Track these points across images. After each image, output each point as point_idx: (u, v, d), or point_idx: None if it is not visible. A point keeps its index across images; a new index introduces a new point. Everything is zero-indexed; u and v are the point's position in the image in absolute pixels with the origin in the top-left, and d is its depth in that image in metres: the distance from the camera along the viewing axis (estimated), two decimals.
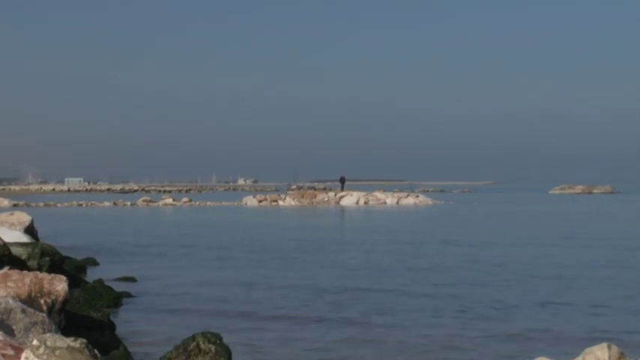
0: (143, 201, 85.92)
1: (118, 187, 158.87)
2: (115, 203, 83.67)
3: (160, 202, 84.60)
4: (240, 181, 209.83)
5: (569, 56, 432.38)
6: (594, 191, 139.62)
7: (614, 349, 8.77)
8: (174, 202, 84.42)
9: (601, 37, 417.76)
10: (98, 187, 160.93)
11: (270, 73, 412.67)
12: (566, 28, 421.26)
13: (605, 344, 8.82)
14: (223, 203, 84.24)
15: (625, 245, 32.32)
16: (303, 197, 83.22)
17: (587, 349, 8.90)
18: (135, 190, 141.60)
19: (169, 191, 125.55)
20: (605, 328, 13.98)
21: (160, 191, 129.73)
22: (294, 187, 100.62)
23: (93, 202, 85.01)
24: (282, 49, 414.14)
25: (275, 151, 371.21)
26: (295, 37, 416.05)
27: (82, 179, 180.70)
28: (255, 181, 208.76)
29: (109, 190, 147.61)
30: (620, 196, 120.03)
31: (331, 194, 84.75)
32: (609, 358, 8.69)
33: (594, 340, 9.49)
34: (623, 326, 14.59)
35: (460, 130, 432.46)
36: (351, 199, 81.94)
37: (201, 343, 10.68)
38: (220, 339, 10.87)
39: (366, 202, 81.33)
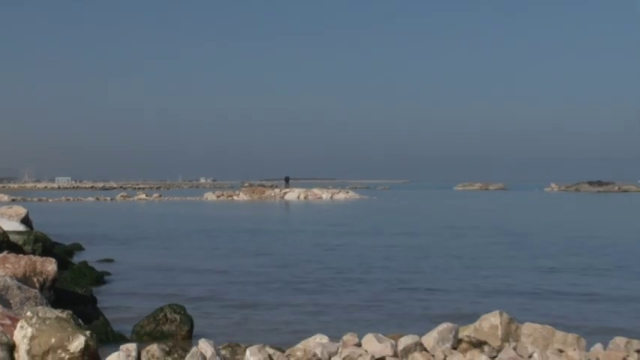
0: (121, 196, 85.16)
1: (100, 184, 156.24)
2: (97, 198, 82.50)
3: (135, 197, 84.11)
4: (202, 180, 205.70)
5: (472, 75, 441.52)
6: (490, 188, 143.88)
7: (505, 315, 9.18)
8: (147, 197, 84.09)
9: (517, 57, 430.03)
10: (83, 185, 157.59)
11: (223, 91, 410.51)
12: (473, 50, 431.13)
13: (497, 311, 9.21)
14: (188, 198, 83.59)
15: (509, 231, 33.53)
16: (254, 193, 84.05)
17: (483, 316, 9.32)
18: (114, 188, 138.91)
19: (143, 188, 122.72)
20: (493, 302, 14.17)
21: (134, 188, 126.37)
22: (246, 184, 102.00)
23: (79, 197, 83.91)
24: (232, 67, 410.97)
25: (231, 155, 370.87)
26: (247, 56, 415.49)
27: (69, 178, 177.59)
28: (214, 180, 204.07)
29: (92, 187, 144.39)
30: (510, 192, 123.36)
31: (277, 191, 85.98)
32: (501, 322, 9.10)
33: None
34: (510, 299, 14.99)
35: (381, 137, 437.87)
36: (293, 194, 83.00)
37: (168, 313, 10.87)
38: (184, 310, 11.15)
39: (305, 197, 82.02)
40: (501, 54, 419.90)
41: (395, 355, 8.41)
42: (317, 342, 8.51)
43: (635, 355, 8.75)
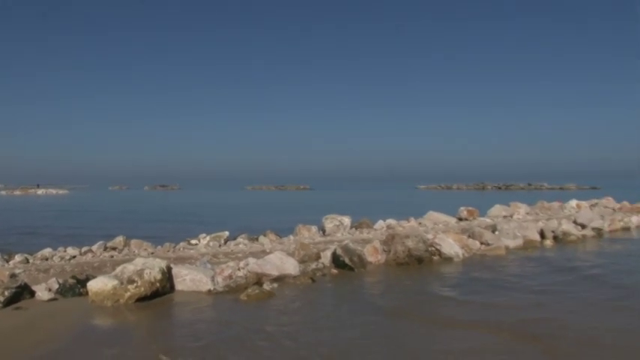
0: None
1: None
2: None
3: None
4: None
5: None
6: (174, 188, 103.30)
7: (124, 237, 11.98)
8: None
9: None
10: None
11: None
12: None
13: (121, 235, 12.34)
14: None
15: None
16: (23, 190, 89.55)
17: (117, 237, 12.34)
18: None
19: None
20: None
21: None
22: (21, 187, 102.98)
23: None
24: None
25: (14, 169, 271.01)
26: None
27: None
28: (6, 185, 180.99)
29: None
30: (185, 191, 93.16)
31: (33, 190, 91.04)
32: (125, 240, 12.20)
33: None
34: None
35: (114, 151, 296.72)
36: (40, 191, 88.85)
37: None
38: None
39: (45, 193, 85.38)
40: None
41: (81, 254, 11.63)
42: (48, 251, 11.63)
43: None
